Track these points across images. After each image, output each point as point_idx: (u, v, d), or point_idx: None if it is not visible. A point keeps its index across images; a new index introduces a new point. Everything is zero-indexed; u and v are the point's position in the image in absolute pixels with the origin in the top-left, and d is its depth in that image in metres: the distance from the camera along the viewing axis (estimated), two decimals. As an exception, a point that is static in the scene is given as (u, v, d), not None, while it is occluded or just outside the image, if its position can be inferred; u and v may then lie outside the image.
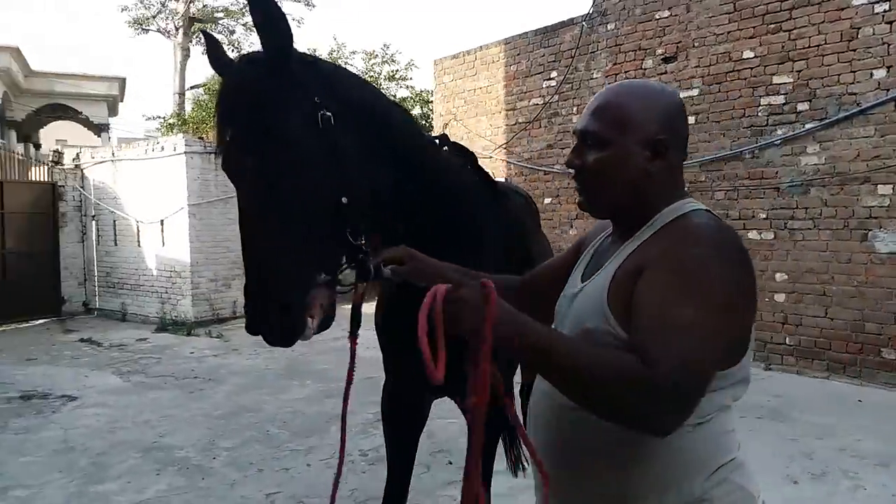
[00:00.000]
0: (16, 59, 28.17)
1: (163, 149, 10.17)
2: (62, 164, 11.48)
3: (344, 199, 1.60)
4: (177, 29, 19.98)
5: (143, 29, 20.71)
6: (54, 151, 11.20)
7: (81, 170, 11.51)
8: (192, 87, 19.21)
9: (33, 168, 11.42)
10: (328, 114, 1.59)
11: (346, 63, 17.67)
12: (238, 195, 1.60)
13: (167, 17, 20.53)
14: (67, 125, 27.08)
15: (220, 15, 21.23)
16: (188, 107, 18.97)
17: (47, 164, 11.22)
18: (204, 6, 20.85)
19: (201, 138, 10.17)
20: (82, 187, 11.48)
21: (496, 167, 10.31)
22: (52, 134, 27.07)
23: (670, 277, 1.16)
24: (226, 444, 4.92)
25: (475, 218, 2.12)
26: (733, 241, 1.23)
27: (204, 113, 15.07)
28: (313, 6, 21.58)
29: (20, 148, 16.55)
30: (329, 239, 1.59)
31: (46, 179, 11.09)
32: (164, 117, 18.16)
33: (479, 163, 2.36)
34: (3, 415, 5.79)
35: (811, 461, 4.39)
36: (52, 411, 5.92)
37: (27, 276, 10.97)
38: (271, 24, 1.54)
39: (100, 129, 21.32)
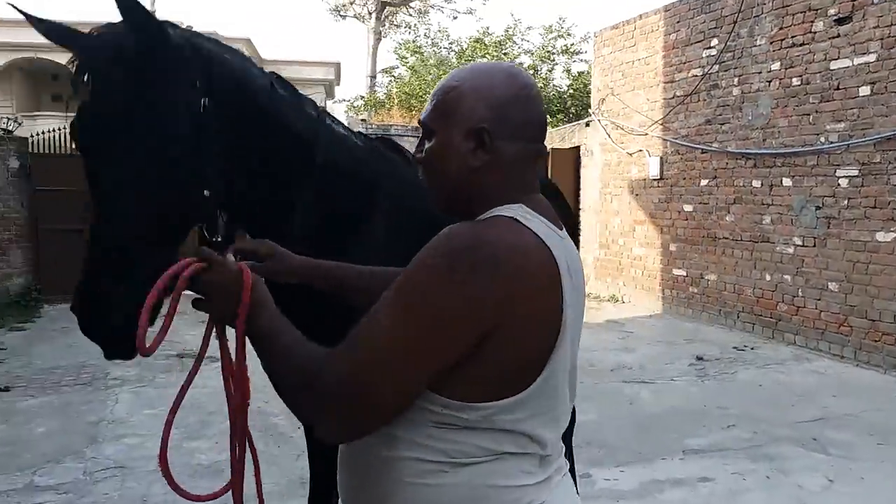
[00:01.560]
0: (248, 49, 31.59)
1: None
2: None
3: (206, 192, 1.57)
4: (370, 14, 21.08)
5: (340, 15, 22.13)
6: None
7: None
8: (383, 70, 20.25)
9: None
10: (204, 100, 1.57)
11: (522, 39, 17.58)
12: (87, 175, 1.52)
13: (363, 3, 21.73)
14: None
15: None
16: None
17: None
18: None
19: (364, 120, 10.69)
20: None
21: (652, 145, 9.66)
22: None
23: (392, 287, 1.07)
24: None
25: (380, 217, 2.01)
26: (473, 256, 1.02)
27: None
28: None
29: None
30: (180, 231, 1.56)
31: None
32: (349, 100, 19.38)
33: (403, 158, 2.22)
34: (153, 369, 6.64)
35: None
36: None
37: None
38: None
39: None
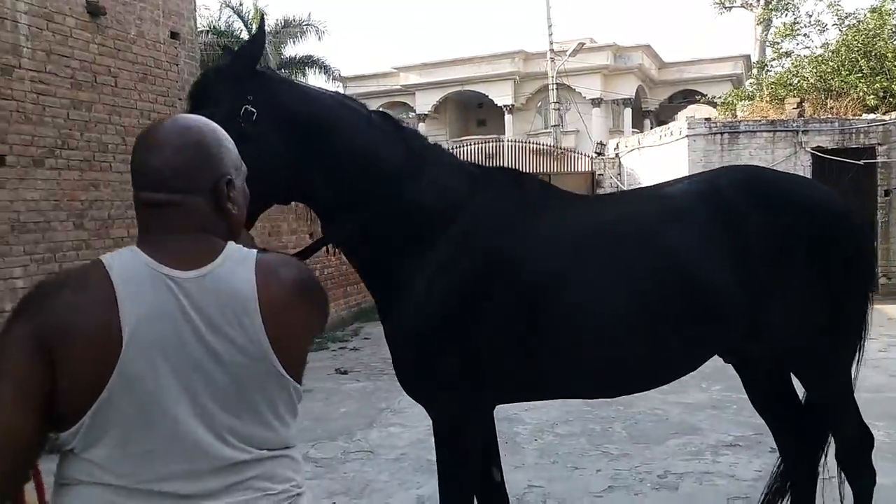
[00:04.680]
0: (647, 55, 31.60)
1: (671, 133, 10.29)
2: (604, 155, 12.79)
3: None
4: (757, 2, 19.15)
5: (725, 7, 20.58)
6: (598, 143, 12.57)
7: (619, 158, 12.58)
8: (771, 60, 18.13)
9: (581, 159, 13.07)
10: (252, 109, 1.93)
11: None
12: None
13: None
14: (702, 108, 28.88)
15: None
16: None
17: (590, 156, 12.69)
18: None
19: (708, 119, 9.85)
20: (618, 175, 12.56)
21: None
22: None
23: None
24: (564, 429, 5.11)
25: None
26: (30, 297, 1.15)
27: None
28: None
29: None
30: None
31: (587, 169, 12.59)
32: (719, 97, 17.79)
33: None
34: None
35: None
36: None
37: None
38: (255, 44, 2.03)
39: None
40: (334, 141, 2.09)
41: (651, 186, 2.53)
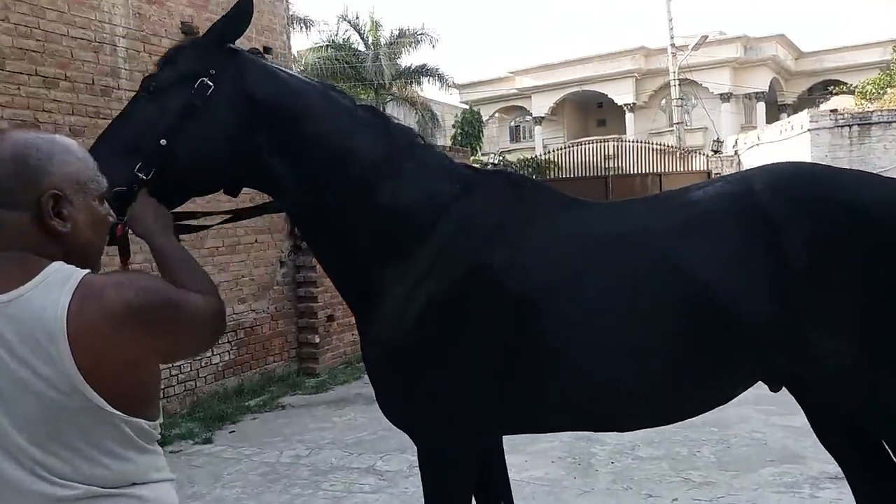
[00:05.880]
0: (782, 45, 29.52)
1: (792, 127, 9.42)
2: (721, 153, 11.92)
3: (162, 142, 1.80)
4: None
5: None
6: (715, 141, 11.74)
7: (738, 155, 11.68)
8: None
9: (697, 158, 12.24)
10: (209, 83, 1.85)
11: None
12: None
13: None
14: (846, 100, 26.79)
15: None
16: None
17: (706, 154, 11.87)
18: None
19: (834, 110, 8.93)
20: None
21: None
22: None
23: None
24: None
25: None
26: None
27: None
28: None
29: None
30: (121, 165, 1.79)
31: (703, 168, 11.76)
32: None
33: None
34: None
35: None
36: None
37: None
38: (236, 20, 1.93)
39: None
40: (303, 130, 1.95)
41: (676, 191, 2.20)
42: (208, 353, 6.68)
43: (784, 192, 1.98)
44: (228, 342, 6.91)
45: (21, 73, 5.10)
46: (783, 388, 2.20)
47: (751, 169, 2.20)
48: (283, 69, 2.10)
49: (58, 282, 1.10)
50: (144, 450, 1.18)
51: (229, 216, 2.22)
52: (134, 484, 1.15)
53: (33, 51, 5.20)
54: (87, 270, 1.15)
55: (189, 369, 6.46)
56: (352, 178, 1.98)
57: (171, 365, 6.23)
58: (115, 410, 1.11)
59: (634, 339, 1.93)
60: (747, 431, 5.09)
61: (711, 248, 1.93)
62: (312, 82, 2.10)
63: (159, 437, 1.24)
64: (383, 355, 2.00)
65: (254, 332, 7.12)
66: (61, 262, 1.14)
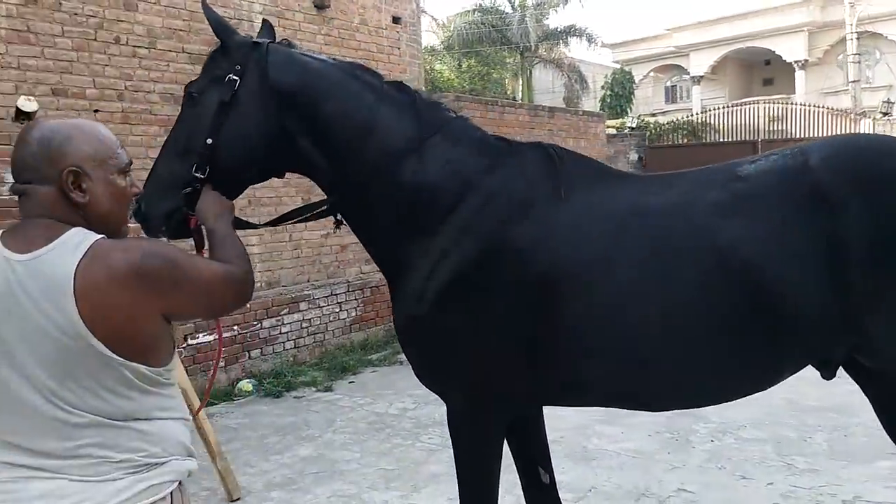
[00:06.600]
0: None
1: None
2: (891, 115, 10.66)
3: (209, 141, 1.96)
4: None
5: None
6: (884, 101, 10.48)
7: (913, 118, 10.41)
8: None
9: (863, 121, 11.00)
10: (234, 78, 2.00)
11: None
12: None
13: None
14: None
15: None
16: None
17: (874, 118, 10.67)
18: None
19: None
20: (911, 138, 10.37)
21: None
22: None
23: None
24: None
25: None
26: None
27: None
28: None
29: None
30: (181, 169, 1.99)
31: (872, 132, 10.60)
32: None
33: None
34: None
35: None
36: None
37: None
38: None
39: None
40: (326, 111, 2.03)
41: (726, 164, 2.09)
42: (337, 309, 7.18)
43: (844, 169, 1.86)
44: (356, 300, 7.36)
45: (170, 51, 5.68)
46: None
47: (809, 143, 2.06)
48: (309, 54, 2.18)
49: (72, 245, 1.33)
50: (147, 391, 1.39)
51: (285, 217, 2.30)
52: (137, 419, 1.37)
53: (180, 30, 5.77)
54: (102, 236, 1.37)
55: (319, 323, 6.98)
56: (375, 155, 2.04)
57: (303, 318, 6.81)
58: (113, 355, 1.32)
59: (663, 320, 1.91)
60: (872, 420, 4.70)
61: (754, 229, 1.85)
62: (338, 63, 2.16)
63: (170, 382, 1.46)
64: (405, 328, 2.11)
65: (379, 290, 7.49)
66: (81, 228, 1.37)
